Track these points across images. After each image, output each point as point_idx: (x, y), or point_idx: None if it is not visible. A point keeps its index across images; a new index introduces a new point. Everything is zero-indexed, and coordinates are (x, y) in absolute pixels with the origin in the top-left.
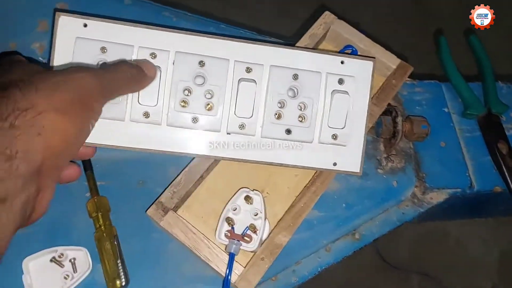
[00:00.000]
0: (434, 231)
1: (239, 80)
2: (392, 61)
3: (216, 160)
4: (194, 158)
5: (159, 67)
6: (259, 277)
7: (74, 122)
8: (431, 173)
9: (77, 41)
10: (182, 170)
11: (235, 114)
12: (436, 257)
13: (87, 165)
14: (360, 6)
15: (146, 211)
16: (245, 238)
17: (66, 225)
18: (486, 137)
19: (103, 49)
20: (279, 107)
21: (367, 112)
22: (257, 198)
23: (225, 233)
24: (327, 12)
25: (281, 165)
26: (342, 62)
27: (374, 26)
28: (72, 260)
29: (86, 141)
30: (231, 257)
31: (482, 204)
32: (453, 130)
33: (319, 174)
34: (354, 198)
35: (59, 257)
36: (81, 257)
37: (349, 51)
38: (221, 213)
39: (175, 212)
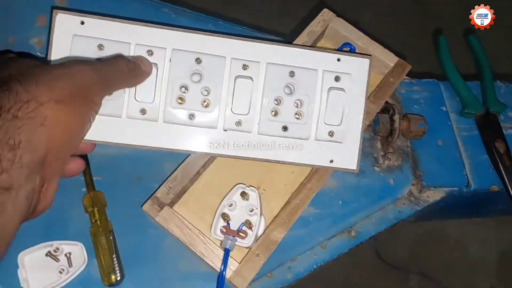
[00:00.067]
0: (433, 231)
1: (236, 77)
2: (390, 59)
3: (213, 157)
4: (190, 154)
5: (156, 64)
6: (254, 273)
7: (76, 114)
8: (428, 172)
9: (74, 38)
10: (178, 166)
11: (231, 111)
12: (435, 257)
13: (83, 160)
14: (360, 6)
15: (142, 206)
16: (241, 234)
17: (62, 219)
18: (483, 136)
19: (100, 47)
20: (276, 104)
21: (364, 109)
22: (253, 194)
23: (220, 229)
24: (325, 10)
25: (277, 162)
26: (338, 60)
27: (374, 25)
28: (68, 255)
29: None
30: (226, 252)
31: (479, 203)
32: (450, 128)
33: (315, 171)
34: (350, 195)
35: (55, 251)
36: (76, 251)
37: (347, 48)
38: (217, 209)
39: (171, 207)
